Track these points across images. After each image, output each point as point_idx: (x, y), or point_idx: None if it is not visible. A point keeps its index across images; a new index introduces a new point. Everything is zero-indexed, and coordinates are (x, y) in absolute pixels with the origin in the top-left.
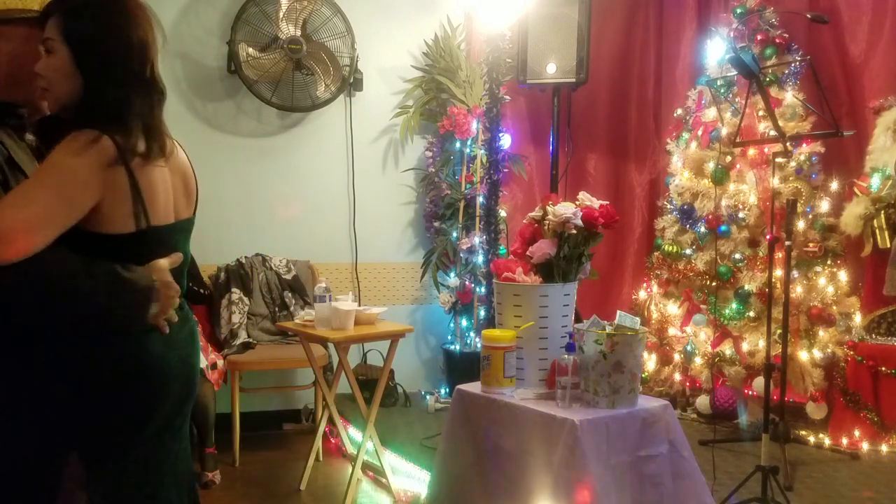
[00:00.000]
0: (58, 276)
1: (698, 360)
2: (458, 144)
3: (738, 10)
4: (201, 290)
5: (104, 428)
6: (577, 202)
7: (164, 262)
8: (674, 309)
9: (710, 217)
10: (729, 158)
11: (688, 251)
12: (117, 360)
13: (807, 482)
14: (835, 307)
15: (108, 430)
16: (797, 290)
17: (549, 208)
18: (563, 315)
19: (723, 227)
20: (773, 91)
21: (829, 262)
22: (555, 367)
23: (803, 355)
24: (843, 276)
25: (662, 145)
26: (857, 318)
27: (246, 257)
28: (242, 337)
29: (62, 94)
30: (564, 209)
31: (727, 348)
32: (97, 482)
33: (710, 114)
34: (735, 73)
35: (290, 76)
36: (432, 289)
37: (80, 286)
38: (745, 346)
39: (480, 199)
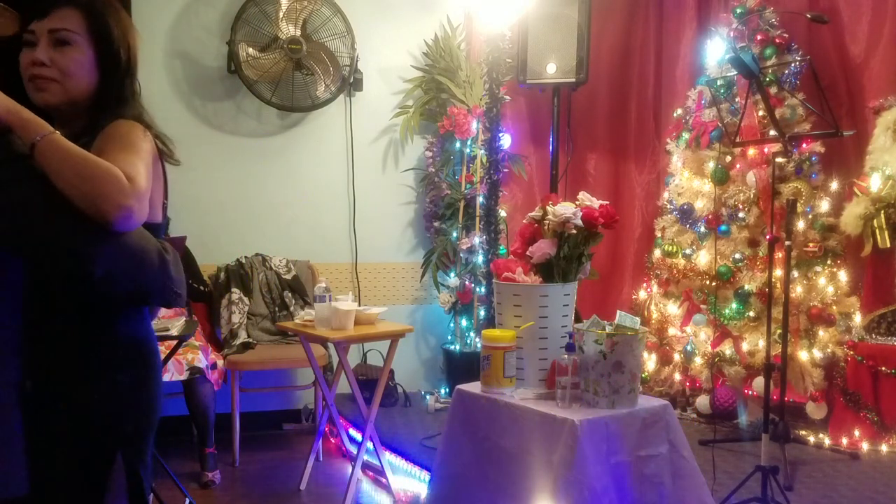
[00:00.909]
0: (148, 250)
1: (698, 360)
2: (458, 144)
3: (738, 10)
4: (201, 287)
5: (146, 405)
6: (577, 202)
7: None
8: (674, 309)
9: (710, 217)
10: (729, 158)
11: (688, 251)
12: (146, 338)
13: (807, 482)
14: (835, 307)
15: (149, 408)
16: (797, 290)
17: (549, 208)
18: (563, 315)
19: (723, 227)
20: (773, 91)
21: (829, 262)
22: (555, 367)
23: (803, 355)
24: (843, 276)
25: (662, 145)
26: (857, 318)
27: (246, 257)
28: (242, 337)
29: (78, 88)
30: (564, 209)
31: (727, 348)
32: (134, 456)
33: (710, 114)
34: (735, 73)
35: (290, 76)
36: (432, 289)
37: (165, 260)
38: (745, 346)
39: (480, 199)
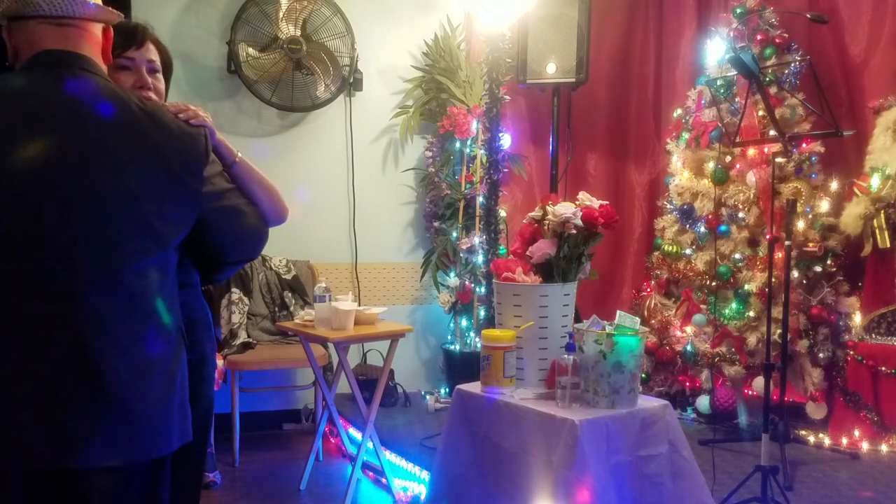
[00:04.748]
0: None
1: (698, 360)
2: (458, 144)
3: (738, 10)
4: None
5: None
6: (577, 202)
7: None
8: (674, 309)
9: (710, 217)
10: (729, 158)
11: (688, 251)
12: None
13: (807, 482)
14: (835, 307)
15: None
16: (797, 290)
17: (549, 208)
18: (563, 315)
19: (723, 227)
20: (773, 91)
21: (829, 262)
22: (555, 367)
23: (803, 355)
24: (843, 276)
25: (662, 145)
26: (857, 318)
27: None
28: (242, 337)
29: None
30: (564, 209)
31: (727, 348)
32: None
33: (710, 114)
34: (735, 73)
35: (290, 76)
36: (432, 289)
37: None
38: (745, 346)
39: (480, 199)
